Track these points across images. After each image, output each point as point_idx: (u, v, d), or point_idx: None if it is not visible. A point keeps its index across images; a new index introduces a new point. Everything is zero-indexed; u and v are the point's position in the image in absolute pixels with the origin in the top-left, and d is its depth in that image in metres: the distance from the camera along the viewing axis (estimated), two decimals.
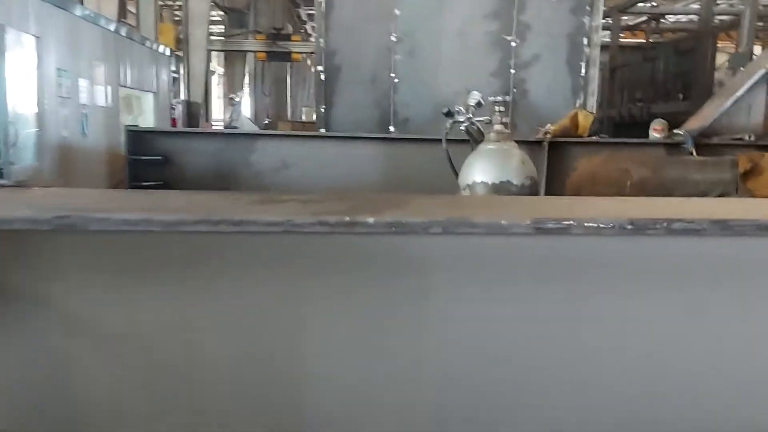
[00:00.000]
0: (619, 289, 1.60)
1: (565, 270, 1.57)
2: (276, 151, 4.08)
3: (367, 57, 5.94)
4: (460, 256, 1.57)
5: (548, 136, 3.92)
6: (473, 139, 3.16)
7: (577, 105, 6.02)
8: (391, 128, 6.05)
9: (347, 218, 1.27)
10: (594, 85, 5.92)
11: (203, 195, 1.81)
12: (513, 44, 5.91)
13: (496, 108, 3.08)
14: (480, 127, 3.15)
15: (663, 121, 5.47)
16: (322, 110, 5.99)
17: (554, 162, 3.98)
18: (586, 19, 5.89)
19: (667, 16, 11.38)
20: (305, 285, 1.57)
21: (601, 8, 5.86)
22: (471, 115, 3.15)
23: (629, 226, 1.32)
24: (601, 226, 1.34)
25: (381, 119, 6.04)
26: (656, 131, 5.35)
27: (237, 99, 15.60)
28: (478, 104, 3.14)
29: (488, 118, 3.13)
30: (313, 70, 10.02)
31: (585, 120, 3.95)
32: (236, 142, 4.14)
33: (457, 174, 3.10)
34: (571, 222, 1.32)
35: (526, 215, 1.37)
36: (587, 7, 5.87)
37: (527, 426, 1.63)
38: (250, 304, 1.58)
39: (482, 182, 2.89)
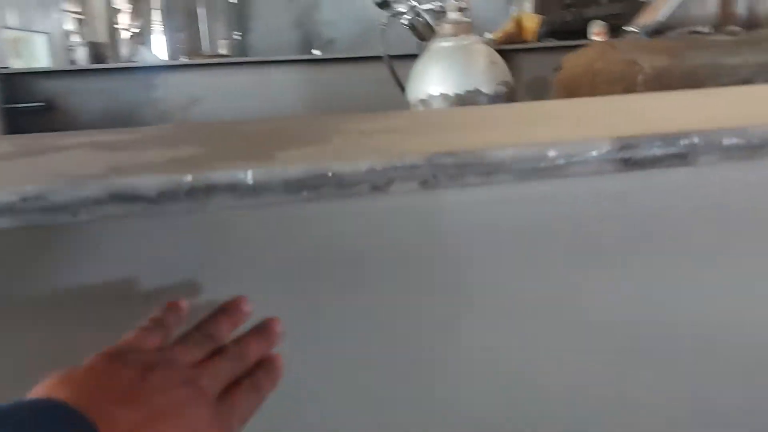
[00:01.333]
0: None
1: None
2: (182, 85, 3.57)
3: None
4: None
5: (492, 43, 3.57)
6: (420, 37, 2.66)
7: (512, 12, 5.66)
8: (315, 51, 5.55)
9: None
10: None
11: None
12: None
13: None
14: (429, 19, 2.61)
15: (601, 22, 5.18)
16: (238, 37, 5.41)
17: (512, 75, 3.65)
18: None
19: None
20: None
21: None
22: (415, 3, 2.61)
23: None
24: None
25: (303, 42, 5.51)
26: (597, 35, 5.06)
27: (135, 32, 14.17)
28: None
29: (439, 4, 2.59)
30: None
31: (531, 22, 3.59)
32: (134, 77, 3.58)
33: (403, 88, 2.61)
34: (695, 138, 0.62)
35: (592, 130, 0.63)
36: None
37: None
38: None
39: (441, 94, 2.36)
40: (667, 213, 0.78)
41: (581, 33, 6.62)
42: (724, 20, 3.75)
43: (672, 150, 0.64)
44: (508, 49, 3.95)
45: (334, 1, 5.54)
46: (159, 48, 5.01)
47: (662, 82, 2.13)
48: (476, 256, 0.73)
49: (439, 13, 2.54)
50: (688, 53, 2.11)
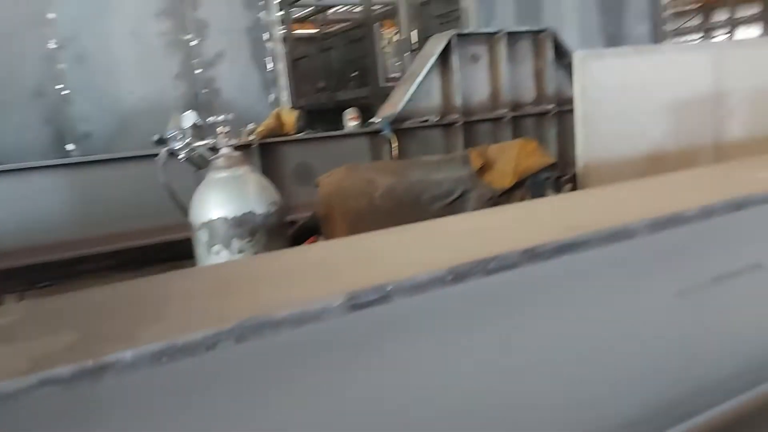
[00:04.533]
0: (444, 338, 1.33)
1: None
2: None
3: (25, 69, 5.08)
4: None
5: (254, 137, 3.82)
6: (197, 167, 2.81)
7: (270, 99, 6.07)
8: (70, 146, 5.32)
9: None
10: (283, 79, 6.01)
11: None
12: (192, 43, 5.65)
13: (220, 129, 2.76)
14: (203, 153, 2.79)
15: (355, 108, 5.82)
16: None
17: (269, 164, 3.90)
18: (262, 14, 5.92)
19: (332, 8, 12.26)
20: None
21: (274, 2, 5.95)
22: (189, 140, 2.77)
23: (450, 277, 1.14)
24: (423, 280, 1.12)
25: (56, 138, 5.26)
26: (352, 119, 5.67)
27: None
28: (195, 126, 2.78)
29: (212, 140, 2.78)
30: None
31: (289, 117, 3.95)
32: None
33: (185, 211, 2.72)
34: (390, 287, 1.08)
35: (328, 287, 1.07)
36: (260, 2, 5.90)
37: None
38: None
39: (221, 218, 2.54)
40: None
41: (338, 112, 7.24)
42: (446, 111, 4.61)
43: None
44: (271, 142, 4.28)
45: (86, 96, 5.42)
46: None
47: (393, 195, 2.63)
48: None
49: (212, 149, 2.73)
50: (409, 172, 2.67)
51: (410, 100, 4.20)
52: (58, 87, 5.19)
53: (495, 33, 4.68)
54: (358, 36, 10.05)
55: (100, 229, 3.80)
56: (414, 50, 7.22)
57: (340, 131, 4.56)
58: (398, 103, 4.22)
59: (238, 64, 5.89)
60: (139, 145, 5.43)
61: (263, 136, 3.81)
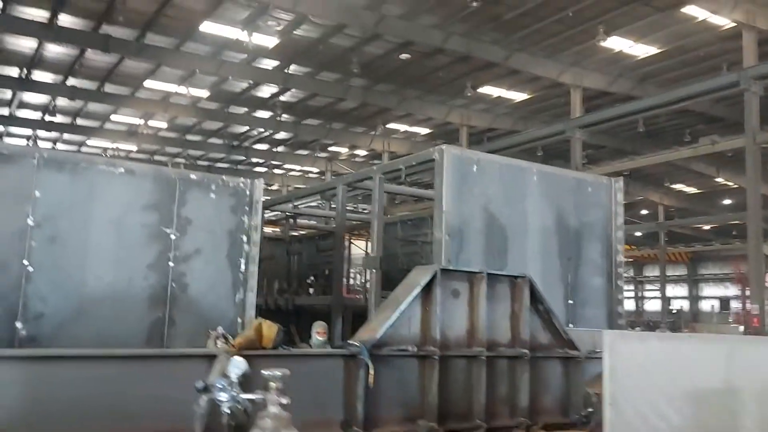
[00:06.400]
0: None
1: None
2: None
3: None
4: None
5: (233, 348, 3.67)
6: (237, 424, 2.49)
7: (238, 299, 6.00)
8: (18, 324, 5.01)
9: None
10: (254, 281, 6.02)
11: None
12: (172, 237, 5.70)
13: (272, 383, 2.50)
14: (248, 408, 2.49)
15: (323, 323, 5.80)
16: None
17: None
18: (245, 218, 6.10)
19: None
20: None
21: (260, 209, 6.18)
22: (235, 392, 2.48)
23: None
24: None
25: (6, 314, 4.96)
26: (320, 335, 5.61)
27: None
28: (244, 376, 2.52)
29: (260, 397, 2.47)
30: None
31: (269, 331, 3.88)
32: None
33: None
34: None
35: None
36: (246, 207, 6.12)
37: None
38: None
39: None
40: None
41: (296, 316, 7.11)
42: (423, 342, 4.60)
43: None
44: (248, 355, 4.09)
45: (48, 276, 5.23)
46: None
47: None
48: None
49: (259, 404, 2.43)
50: None
51: (391, 326, 4.21)
52: (23, 263, 5.03)
53: (477, 273, 4.93)
54: (327, 245, 10.39)
55: None
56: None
57: (317, 351, 4.46)
58: (378, 328, 4.20)
59: (213, 262, 5.91)
60: (95, 334, 5.17)
61: (241, 347, 3.67)
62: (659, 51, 14.93)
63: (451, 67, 16.40)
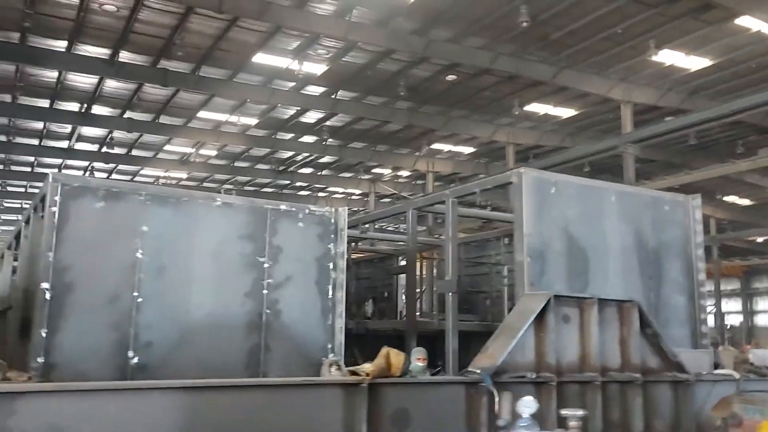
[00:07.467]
0: None
1: None
2: (44, 412, 3.04)
3: (106, 275, 5.22)
4: None
5: (366, 377, 3.80)
6: None
7: (328, 324, 6.15)
8: (130, 353, 5.25)
9: None
10: (342, 307, 6.18)
11: None
12: (265, 265, 5.91)
13: (572, 423, 2.47)
14: None
15: (423, 350, 5.89)
16: (43, 335, 4.91)
17: (375, 408, 3.78)
18: (331, 246, 6.29)
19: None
20: None
21: (345, 237, 6.36)
22: None
23: None
24: None
25: (119, 344, 5.21)
26: (420, 361, 5.69)
27: None
28: (533, 416, 2.41)
29: None
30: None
31: (397, 359, 3.99)
32: None
33: None
34: None
35: None
36: (332, 236, 6.31)
37: None
38: None
39: None
40: None
41: (372, 341, 7.28)
42: (539, 368, 4.63)
43: None
44: (378, 383, 4.13)
45: (155, 305, 5.49)
46: None
47: None
48: None
49: None
50: None
51: (509, 353, 4.27)
52: (134, 294, 5.29)
53: (587, 298, 4.99)
54: (393, 269, 10.50)
55: None
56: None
57: (439, 379, 4.56)
58: (497, 355, 4.27)
59: (303, 288, 6.09)
60: (198, 360, 5.39)
61: (374, 376, 3.79)
62: (711, 63, 14.79)
63: (498, 87, 16.51)
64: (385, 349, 4.13)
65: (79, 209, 5.13)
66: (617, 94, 16.00)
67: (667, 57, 14.47)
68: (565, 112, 18.13)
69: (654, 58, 14.13)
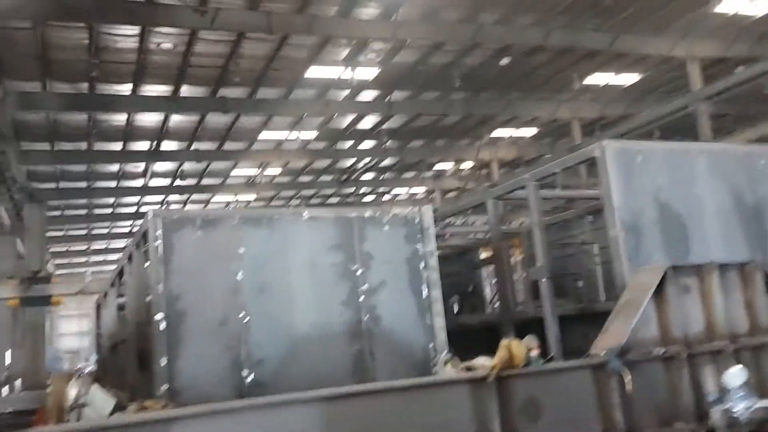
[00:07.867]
0: None
1: None
2: None
3: (213, 299, 5.43)
4: None
5: (493, 371, 3.80)
6: None
7: (426, 324, 6.16)
8: (245, 372, 5.43)
9: None
10: (439, 306, 6.18)
11: None
12: (358, 273, 5.99)
13: None
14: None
15: (534, 337, 5.79)
16: (163, 363, 5.15)
17: (504, 402, 3.78)
18: (419, 246, 6.31)
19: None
20: None
21: (433, 236, 6.36)
22: (753, 401, 2.37)
23: None
24: None
25: (233, 364, 5.41)
26: (532, 350, 5.58)
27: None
28: (746, 384, 2.38)
29: None
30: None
31: (518, 350, 3.97)
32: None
33: None
34: None
35: None
36: (418, 235, 6.32)
37: None
38: None
39: None
40: None
41: (465, 335, 7.17)
42: (664, 342, 4.47)
43: None
44: (505, 376, 4.11)
45: (262, 323, 5.65)
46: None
47: None
48: None
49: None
50: None
51: (631, 331, 4.16)
52: (240, 316, 5.47)
53: (706, 264, 4.82)
54: (477, 262, 10.41)
55: None
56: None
57: (565, 364, 4.50)
58: (622, 334, 4.15)
59: (397, 291, 6.14)
60: (307, 372, 5.51)
61: (500, 369, 3.78)
62: None
63: (554, 63, 16.13)
64: (506, 341, 4.09)
65: (180, 240, 5.36)
66: (680, 51, 15.32)
67: (730, 6, 13.76)
68: (628, 79, 17.52)
69: (716, 9, 13.48)
